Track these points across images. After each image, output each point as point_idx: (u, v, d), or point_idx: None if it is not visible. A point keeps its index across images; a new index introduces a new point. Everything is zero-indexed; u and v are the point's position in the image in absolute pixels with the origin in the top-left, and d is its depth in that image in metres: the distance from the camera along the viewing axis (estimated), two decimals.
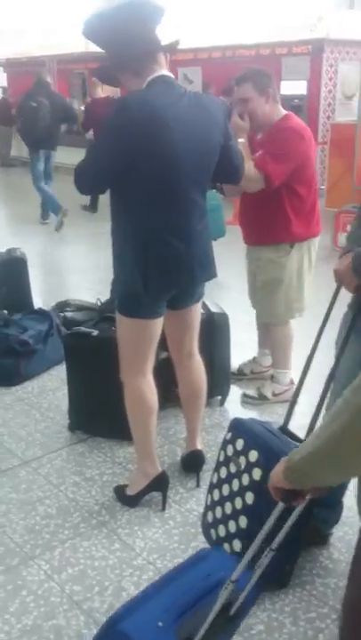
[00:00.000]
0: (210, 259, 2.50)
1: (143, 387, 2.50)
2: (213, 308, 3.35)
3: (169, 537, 2.41)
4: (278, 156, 2.94)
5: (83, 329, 3.09)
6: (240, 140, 2.78)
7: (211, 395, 3.39)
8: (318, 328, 2.03)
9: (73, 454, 2.98)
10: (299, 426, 2.13)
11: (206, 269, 2.48)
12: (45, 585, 2.19)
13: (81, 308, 4.52)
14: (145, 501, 2.59)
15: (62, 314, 4.34)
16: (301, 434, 2.06)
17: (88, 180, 2.30)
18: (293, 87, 10.59)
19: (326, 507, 2.25)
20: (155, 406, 2.53)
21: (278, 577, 2.13)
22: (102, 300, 4.63)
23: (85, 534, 2.43)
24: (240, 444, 2.15)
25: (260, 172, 2.91)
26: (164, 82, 2.26)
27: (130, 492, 2.59)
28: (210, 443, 3.06)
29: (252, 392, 3.51)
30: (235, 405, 3.44)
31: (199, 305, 2.66)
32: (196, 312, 2.64)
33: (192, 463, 2.76)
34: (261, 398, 3.45)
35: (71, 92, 15.23)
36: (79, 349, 3.08)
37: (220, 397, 3.44)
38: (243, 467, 2.10)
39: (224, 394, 3.43)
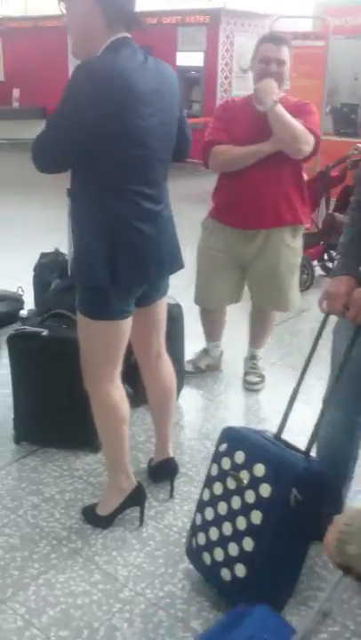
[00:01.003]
0: (178, 247, 2.28)
1: (113, 394, 2.24)
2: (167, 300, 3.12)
3: (153, 560, 2.20)
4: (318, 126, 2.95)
5: (29, 328, 2.75)
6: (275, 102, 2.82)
7: None
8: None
9: (24, 470, 2.67)
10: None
11: (176, 259, 2.25)
12: (26, 633, 1.91)
13: (1, 297, 4.13)
14: (116, 519, 2.36)
15: None
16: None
17: (50, 154, 1.97)
18: (190, 58, 10.39)
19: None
20: (127, 414, 2.28)
21: (275, 601, 1.97)
22: (24, 289, 4.30)
23: (59, 566, 2.16)
24: (240, 456, 1.96)
25: (313, 135, 2.83)
26: (128, 45, 1.97)
27: (102, 511, 2.34)
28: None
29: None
30: (189, 401, 3.26)
31: (165, 299, 2.42)
32: (163, 307, 2.41)
33: (165, 472, 2.55)
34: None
35: None
36: (26, 352, 2.75)
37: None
38: (246, 482, 1.92)
39: (178, 388, 3.23)
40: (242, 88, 10.39)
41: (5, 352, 3.59)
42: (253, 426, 2.90)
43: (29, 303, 4.22)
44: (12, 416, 2.88)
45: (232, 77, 10.35)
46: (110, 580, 2.11)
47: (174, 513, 2.43)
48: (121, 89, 1.88)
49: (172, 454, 2.56)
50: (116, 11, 1.93)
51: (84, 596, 2.05)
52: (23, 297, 4.27)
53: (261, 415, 3.11)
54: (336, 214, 5.05)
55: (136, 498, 2.33)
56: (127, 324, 2.19)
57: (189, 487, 2.57)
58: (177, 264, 2.26)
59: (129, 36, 1.98)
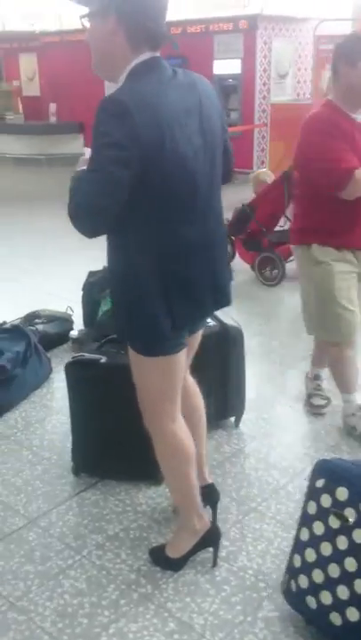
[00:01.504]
0: (229, 276, 2.12)
1: (177, 432, 2.08)
2: (226, 320, 2.98)
3: (229, 607, 2.05)
4: None
5: (88, 355, 2.64)
6: None
7: (224, 415, 3.07)
8: None
9: (85, 505, 2.55)
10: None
11: (228, 289, 2.07)
12: None
13: (52, 318, 4.05)
14: (189, 564, 2.21)
15: (32, 327, 3.85)
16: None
17: (101, 210, 1.70)
18: (227, 66, 10.27)
19: None
20: (193, 452, 2.12)
21: None
22: (73, 309, 4.22)
23: (130, 614, 2.03)
24: (342, 493, 1.81)
25: None
26: (154, 67, 1.76)
27: (172, 553, 2.20)
28: (234, 472, 2.72)
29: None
30: (251, 426, 3.10)
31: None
32: (200, 334, 2.26)
33: (209, 501, 2.33)
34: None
35: None
36: (84, 380, 2.63)
37: (233, 418, 3.09)
38: (353, 521, 1.76)
39: (239, 414, 3.09)
40: (280, 94, 10.25)
41: (58, 375, 3.55)
42: (325, 453, 2.75)
43: (78, 322, 4.14)
44: (70, 445, 2.78)
45: (270, 84, 10.18)
46: (186, 629, 1.97)
47: (248, 554, 2.27)
48: (158, 114, 1.69)
49: (210, 480, 2.40)
50: (141, 33, 1.74)
51: None
52: (72, 316, 4.19)
53: (331, 442, 2.94)
54: None
55: (210, 539, 2.18)
56: (183, 356, 2.04)
57: (261, 524, 2.42)
58: (229, 293, 2.08)
59: (156, 54, 1.79)
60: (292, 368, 3.69)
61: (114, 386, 2.57)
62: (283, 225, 5.61)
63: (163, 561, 2.21)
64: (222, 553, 2.27)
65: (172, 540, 2.24)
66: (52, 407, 3.32)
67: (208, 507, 2.29)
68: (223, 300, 2.06)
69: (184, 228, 1.85)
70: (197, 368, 2.87)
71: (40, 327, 3.91)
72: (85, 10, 1.77)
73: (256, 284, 5.28)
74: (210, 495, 2.34)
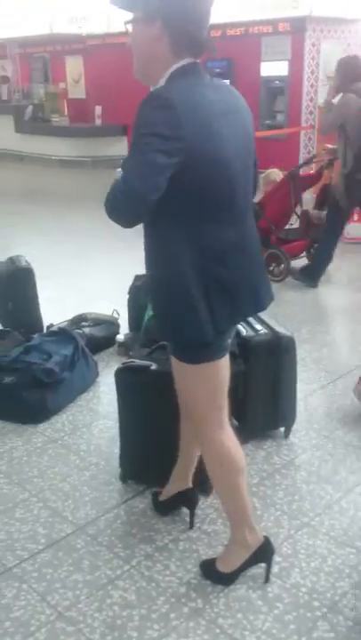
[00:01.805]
0: (267, 276, 2.11)
1: (225, 441, 2.04)
2: (278, 328, 2.92)
3: (283, 627, 1.98)
4: None
5: (138, 362, 2.61)
6: None
7: (274, 426, 3.01)
8: None
9: (133, 513, 2.52)
10: None
11: (268, 290, 2.03)
12: None
13: (99, 322, 4.04)
14: (240, 579, 2.15)
15: (79, 330, 3.84)
16: None
17: (142, 199, 1.66)
18: (274, 68, 10.17)
19: None
20: (243, 462, 2.08)
21: None
22: (119, 313, 4.20)
23: (180, 629, 1.98)
24: None
25: None
26: (194, 71, 1.78)
27: (223, 568, 2.14)
28: (285, 484, 2.65)
29: None
30: (301, 437, 3.02)
31: None
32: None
33: (186, 503, 2.42)
34: None
35: (32, 76, 14.46)
36: (134, 386, 2.60)
37: (283, 429, 3.01)
38: None
39: (289, 424, 3.01)
40: None
41: (104, 379, 3.53)
42: None
43: (124, 326, 4.12)
44: (117, 451, 2.75)
45: (318, 85, 10.03)
46: None
47: (301, 570, 2.20)
48: (199, 111, 1.70)
49: (191, 485, 2.41)
50: (185, 39, 1.75)
51: None
52: (119, 320, 4.17)
53: None
54: (310, 211, 5.66)
55: (262, 555, 2.12)
56: (227, 360, 2.01)
57: (314, 540, 2.34)
58: (270, 294, 2.03)
59: (196, 61, 1.80)
60: (343, 377, 3.60)
61: (164, 393, 2.51)
62: (292, 223, 5.73)
63: (213, 575, 2.16)
64: (274, 569, 2.20)
65: (224, 554, 2.19)
66: (98, 411, 3.30)
67: (187, 509, 2.42)
68: (261, 304, 2.02)
69: (224, 228, 1.84)
70: (249, 376, 2.84)
71: (87, 330, 3.90)
72: (130, 15, 1.78)
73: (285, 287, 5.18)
74: (190, 498, 2.40)
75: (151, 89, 1.79)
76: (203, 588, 2.14)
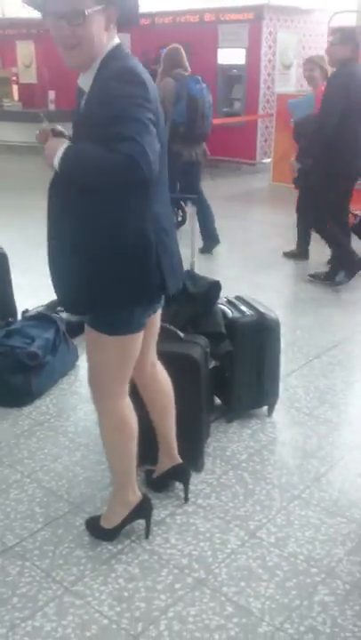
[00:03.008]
0: None
1: (125, 409, 2.15)
2: (262, 309, 2.99)
3: (285, 592, 2.07)
4: None
5: None
6: None
7: (258, 404, 3.09)
8: None
9: None
10: None
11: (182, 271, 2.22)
12: None
13: None
14: (236, 546, 2.24)
15: (56, 314, 3.83)
16: None
17: (155, 158, 1.73)
18: (231, 56, 10.22)
19: None
20: (136, 430, 2.19)
21: None
22: None
23: (187, 599, 2.04)
24: None
25: None
26: (127, 52, 1.87)
27: (107, 524, 2.28)
28: (273, 460, 2.75)
29: None
30: (283, 415, 3.12)
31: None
32: (158, 316, 2.27)
33: (179, 478, 2.51)
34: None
35: None
36: None
37: (267, 407, 3.10)
38: None
39: (272, 403, 3.10)
40: (284, 85, 10.22)
41: (84, 363, 3.53)
42: None
43: None
44: None
45: (275, 74, 10.15)
46: (244, 613, 1.99)
47: (296, 540, 2.29)
48: (151, 87, 1.81)
49: (179, 460, 2.50)
50: (122, 19, 1.85)
51: (220, 630, 1.93)
52: None
53: None
54: None
55: (142, 511, 2.28)
56: (142, 336, 2.09)
57: (307, 511, 2.44)
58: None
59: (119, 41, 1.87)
60: (318, 358, 3.71)
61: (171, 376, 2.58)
62: None
63: (98, 531, 2.29)
64: (271, 539, 2.29)
65: (107, 512, 2.31)
66: (82, 394, 3.31)
67: (180, 484, 2.50)
68: (180, 284, 2.14)
69: (164, 197, 1.98)
70: (235, 357, 2.91)
71: (63, 315, 3.88)
72: (86, 5, 1.74)
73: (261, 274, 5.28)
74: (182, 473, 2.50)
75: (81, 76, 1.85)
76: (204, 560, 2.20)
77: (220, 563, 2.19)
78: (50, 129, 1.89)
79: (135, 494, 2.26)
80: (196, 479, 2.61)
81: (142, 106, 1.73)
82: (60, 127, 1.93)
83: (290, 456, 2.79)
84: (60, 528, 2.35)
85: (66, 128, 1.99)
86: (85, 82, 1.86)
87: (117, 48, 1.84)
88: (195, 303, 2.82)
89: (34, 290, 4.58)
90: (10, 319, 3.72)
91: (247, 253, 5.90)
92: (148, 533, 2.29)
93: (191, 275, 2.94)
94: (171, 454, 2.49)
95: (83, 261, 1.91)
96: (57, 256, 1.99)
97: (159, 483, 2.55)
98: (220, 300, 2.98)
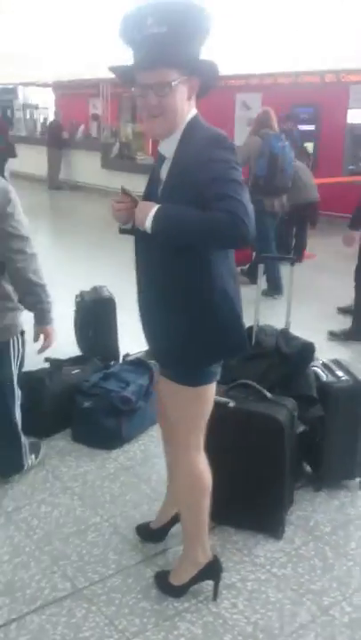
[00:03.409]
0: None
1: (201, 464, 2.15)
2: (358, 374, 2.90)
3: None
4: None
5: (216, 398, 2.62)
6: None
7: (350, 475, 2.96)
8: None
9: None
10: None
11: None
12: None
13: None
14: (309, 625, 2.13)
15: (153, 361, 3.91)
16: None
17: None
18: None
19: None
20: (210, 486, 2.17)
21: None
22: None
23: None
24: None
25: None
26: (203, 121, 1.95)
27: (175, 581, 2.26)
28: (358, 537, 2.60)
29: None
30: None
31: None
32: None
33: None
34: None
35: (121, 115, 15.03)
36: (211, 423, 2.62)
37: (359, 479, 2.96)
38: None
39: None
40: None
41: None
42: None
43: None
44: None
45: None
46: None
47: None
48: None
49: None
50: (203, 90, 1.93)
51: None
52: None
53: None
54: None
55: (211, 572, 2.25)
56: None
57: None
58: None
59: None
60: None
61: (241, 431, 2.56)
62: None
63: (166, 586, 2.27)
64: (344, 619, 2.16)
65: (176, 569, 2.29)
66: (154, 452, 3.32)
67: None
68: None
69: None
70: (327, 422, 2.82)
71: None
72: (173, 77, 1.82)
73: None
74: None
75: (162, 143, 1.93)
76: (270, 630, 2.12)
77: (286, 636, 2.09)
78: (121, 188, 1.98)
79: (205, 554, 2.24)
80: (273, 547, 2.53)
81: (236, 169, 1.81)
82: (125, 187, 2.01)
83: None
84: (130, 577, 2.36)
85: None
86: (167, 149, 1.94)
87: (197, 117, 1.93)
88: (286, 363, 2.78)
89: (139, 332, 4.74)
90: (112, 362, 3.84)
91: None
92: (215, 595, 2.25)
93: (285, 334, 2.91)
94: (169, 510, 2.52)
95: (178, 318, 1.97)
96: (151, 311, 2.07)
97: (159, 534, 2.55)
98: (314, 363, 2.92)
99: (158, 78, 1.81)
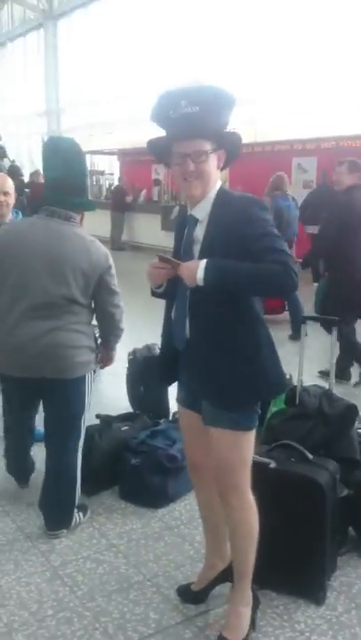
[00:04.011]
0: None
1: (254, 502, 2.30)
2: None
3: None
4: None
5: (257, 458, 2.66)
6: None
7: None
8: None
9: None
10: None
11: None
12: None
13: None
14: None
15: None
16: None
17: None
18: None
19: None
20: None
21: None
22: None
23: None
24: None
25: None
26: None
27: (238, 636, 2.29)
28: None
29: None
30: None
31: None
32: None
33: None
34: None
35: None
36: (252, 483, 2.64)
37: None
38: None
39: None
40: None
41: None
42: None
43: None
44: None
45: None
46: None
47: None
48: None
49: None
50: (229, 158, 2.19)
51: None
52: None
53: None
54: None
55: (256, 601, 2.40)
56: None
57: None
58: None
59: None
60: None
61: (282, 493, 2.56)
62: None
63: None
64: None
65: (235, 623, 2.32)
66: None
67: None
68: None
69: None
70: None
71: None
72: (209, 147, 2.10)
73: None
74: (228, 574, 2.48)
75: (191, 208, 2.18)
76: None
77: None
78: (159, 257, 2.17)
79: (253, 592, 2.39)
80: (314, 613, 2.49)
81: (274, 227, 2.10)
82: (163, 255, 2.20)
83: None
84: (169, 637, 2.37)
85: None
86: (200, 212, 2.17)
87: (224, 186, 2.19)
88: (329, 424, 2.79)
89: None
90: (161, 420, 3.91)
91: None
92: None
93: (328, 395, 2.93)
94: (223, 553, 2.54)
95: (233, 362, 2.15)
96: (207, 361, 2.19)
97: (204, 593, 2.57)
98: (358, 425, 2.92)
99: (196, 147, 2.08)
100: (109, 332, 3.20)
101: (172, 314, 2.27)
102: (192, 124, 2.04)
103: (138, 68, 17.74)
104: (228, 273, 2.03)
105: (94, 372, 3.13)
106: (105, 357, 3.30)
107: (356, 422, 2.90)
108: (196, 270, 2.03)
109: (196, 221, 2.18)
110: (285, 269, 1.97)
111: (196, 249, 2.16)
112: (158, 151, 2.19)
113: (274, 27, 13.48)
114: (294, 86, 12.86)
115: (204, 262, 2.03)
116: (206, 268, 2.02)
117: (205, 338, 2.17)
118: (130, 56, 18.15)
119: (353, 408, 2.85)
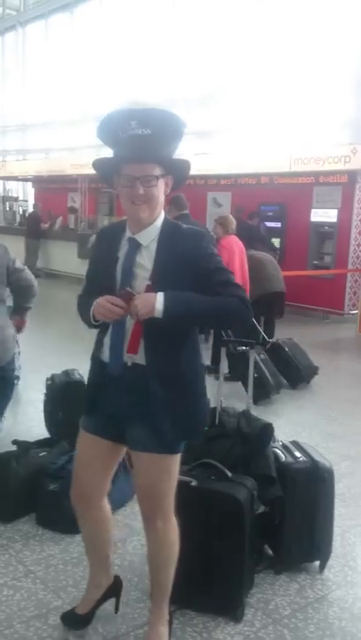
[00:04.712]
0: None
1: (176, 522, 2.34)
2: (317, 457, 2.99)
3: None
4: None
5: (179, 477, 2.70)
6: None
7: (309, 558, 3.00)
8: None
9: None
10: None
11: None
12: None
13: None
14: None
15: None
16: None
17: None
18: (324, 215, 10.81)
19: None
20: None
21: None
22: None
23: None
24: None
25: None
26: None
27: None
28: (317, 620, 2.62)
29: None
30: (336, 573, 2.99)
31: None
32: None
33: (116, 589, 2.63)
34: None
35: (98, 209, 15.60)
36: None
37: (318, 562, 3.00)
38: None
39: (324, 558, 2.99)
40: None
41: None
42: None
43: None
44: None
45: None
46: None
47: None
48: None
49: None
50: (176, 184, 2.22)
51: None
52: None
53: None
54: None
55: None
56: None
57: None
58: None
59: None
60: None
61: (202, 512, 2.61)
62: None
63: None
64: None
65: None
66: (134, 527, 3.33)
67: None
68: None
69: None
70: (286, 503, 2.89)
71: None
72: (158, 172, 2.10)
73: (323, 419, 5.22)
74: (117, 586, 2.61)
75: (134, 232, 2.17)
76: None
77: None
78: (120, 290, 2.11)
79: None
80: (233, 630, 2.54)
81: (221, 261, 2.22)
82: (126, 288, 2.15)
83: (335, 617, 2.66)
84: None
85: None
86: (146, 237, 2.17)
87: (165, 216, 2.24)
88: (247, 443, 2.88)
89: None
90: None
91: (323, 402, 5.89)
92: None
93: (246, 415, 3.02)
94: (108, 570, 2.57)
95: (177, 391, 2.19)
96: (146, 388, 2.16)
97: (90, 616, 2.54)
98: (275, 443, 3.02)
99: (146, 171, 2.07)
100: (27, 301, 3.84)
101: (108, 340, 2.22)
102: (143, 147, 2.02)
103: (52, 94, 17.86)
104: (189, 306, 2.06)
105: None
106: (20, 323, 3.85)
107: (272, 441, 3.00)
108: (154, 302, 2.02)
109: (138, 245, 2.15)
110: (242, 301, 2.10)
111: (141, 273, 2.13)
112: (104, 171, 2.17)
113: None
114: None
115: (161, 295, 2.03)
116: (166, 300, 2.02)
117: (151, 367, 2.14)
118: (44, 82, 18.26)
119: (269, 427, 2.96)
